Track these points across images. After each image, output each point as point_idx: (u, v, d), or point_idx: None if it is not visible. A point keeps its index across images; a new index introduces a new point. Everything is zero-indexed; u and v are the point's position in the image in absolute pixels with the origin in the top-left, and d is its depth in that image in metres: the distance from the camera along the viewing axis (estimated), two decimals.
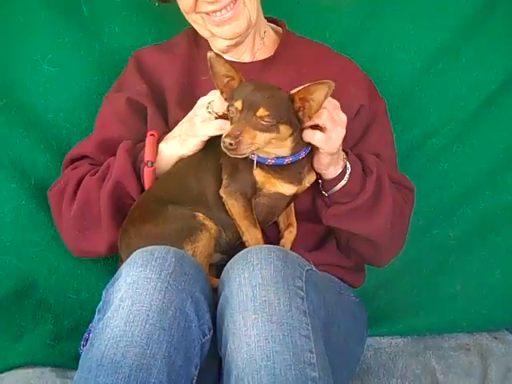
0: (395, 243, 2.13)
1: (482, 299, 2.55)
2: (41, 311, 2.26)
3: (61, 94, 2.30)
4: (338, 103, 1.83)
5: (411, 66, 2.45)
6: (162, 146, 1.96)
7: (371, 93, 2.18)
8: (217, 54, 1.78)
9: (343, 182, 1.92)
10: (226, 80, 1.78)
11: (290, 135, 1.75)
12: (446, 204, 2.54)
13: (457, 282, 2.56)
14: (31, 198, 2.24)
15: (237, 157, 1.71)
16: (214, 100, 1.85)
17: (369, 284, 2.37)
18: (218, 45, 2.09)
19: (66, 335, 2.26)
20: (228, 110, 1.75)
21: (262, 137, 1.69)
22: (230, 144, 1.65)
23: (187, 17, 2.07)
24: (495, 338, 2.53)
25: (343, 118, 1.83)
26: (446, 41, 2.44)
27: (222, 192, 1.81)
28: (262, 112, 1.68)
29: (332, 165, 1.87)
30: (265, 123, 1.68)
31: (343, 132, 1.82)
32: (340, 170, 1.90)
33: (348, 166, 1.91)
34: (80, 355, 1.94)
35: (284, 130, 1.72)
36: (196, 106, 1.93)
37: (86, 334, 1.96)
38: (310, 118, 1.75)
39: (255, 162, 1.77)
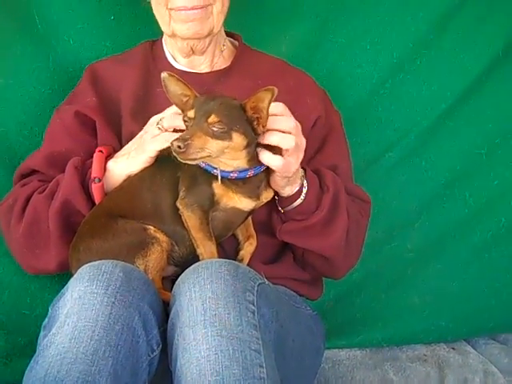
0: (350, 257, 2.13)
1: (440, 311, 2.56)
2: None
3: (13, 107, 2.26)
4: (299, 126, 1.82)
5: (367, 79, 2.47)
6: (110, 163, 1.95)
7: (327, 105, 2.20)
8: (169, 74, 1.77)
9: (299, 201, 1.92)
10: (184, 99, 1.78)
11: (246, 146, 1.74)
12: (404, 216, 2.56)
13: (415, 293, 2.57)
14: None
15: (187, 162, 1.69)
16: (164, 116, 1.85)
17: (327, 297, 2.38)
18: (177, 44, 2.09)
19: (19, 352, 2.20)
20: (184, 121, 1.75)
21: (213, 143, 1.68)
22: (179, 147, 1.63)
23: (156, 10, 2.05)
24: (453, 348, 2.55)
25: (304, 142, 1.83)
26: (402, 55, 2.47)
27: (178, 203, 1.79)
28: (213, 118, 1.68)
29: (289, 185, 1.88)
30: (216, 129, 1.67)
31: (302, 156, 1.83)
32: (297, 189, 1.90)
33: (305, 184, 1.91)
34: None
35: (237, 138, 1.70)
36: (148, 123, 1.93)
37: None
38: (263, 127, 1.74)
39: (219, 176, 1.76)
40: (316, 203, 1.95)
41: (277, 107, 1.78)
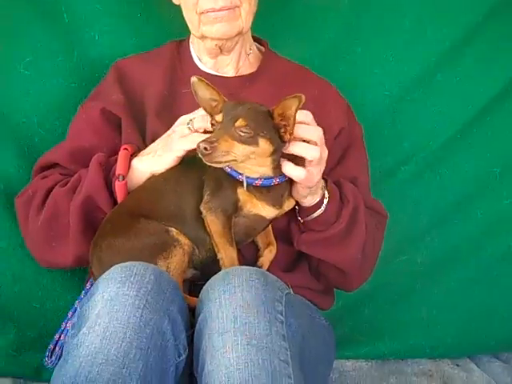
0: (365, 271, 2.14)
1: (446, 326, 2.57)
2: (3, 320, 2.19)
3: (36, 99, 2.25)
4: (322, 134, 1.82)
5: (388, 92, 2.48)
6: (134, 161, 1.94)
7: (350, 117, 2.20)
8: (199, 78, 1.77)
9: (319, 212, 1.93)
10: (212, 104, 1.78)
11: (271, 154, 1.74)
12: (415, 231, 2.57)
13: (422, 308, 2.58)
14: None
15: (212, 165, 1.69)
16: (195, 117, 1.85)
17: (336, 307, 2.37)
18: (207, 45, 2.08)
19: (29, 346, 2.20)
20: (212, 125, 1.75)
21: (240, 148, 1.68)
22: (205, 148, 1.63)
23: (186, 14, 2.07)
24: (457, 365, 2.56)
25: (327, 153, 1.84)
26: (424, 70, 2.48)
27: (202, 207, 1.79)
28: (240, 122, 1.68)
29: (310, 195, 1.88)
30: (243, 134, 1.67)
31: (323, 168, 1.83)
32: (318, 200, 1.91)
33: (326, 195, 1.92)
34: (44, 367, 1.92)
35: (263, 144, 1.70)
36: (176, 123, 1.92)
37: (50, 346, 1.92)
38: (290, 135, 1.74)
39: (245, 182, 1.76)
40: (335, 215, 1.95)
41: (305, 116, 1.78)
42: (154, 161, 1.90)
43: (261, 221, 1.85)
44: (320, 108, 2.05)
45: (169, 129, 1.95)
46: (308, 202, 1.90)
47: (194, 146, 1.75)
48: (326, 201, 1.92)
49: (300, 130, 1.75)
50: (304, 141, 1.77)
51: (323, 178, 1.91)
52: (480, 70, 2.51)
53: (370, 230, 2.04)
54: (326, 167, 1.93)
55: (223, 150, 1.66)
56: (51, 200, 1.97)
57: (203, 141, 1.65)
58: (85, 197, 1.91)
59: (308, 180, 1.79)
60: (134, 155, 1.97)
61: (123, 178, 1.90)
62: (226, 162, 1.70)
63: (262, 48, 2.26)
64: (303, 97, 1.66)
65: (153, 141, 1.99)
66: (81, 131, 2.08)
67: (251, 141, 1.69)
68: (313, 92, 2.10)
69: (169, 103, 2.08)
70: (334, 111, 2.13)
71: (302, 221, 1.97)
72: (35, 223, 1.99)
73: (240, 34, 2.05)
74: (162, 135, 1.97)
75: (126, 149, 1.95)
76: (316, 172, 1.80)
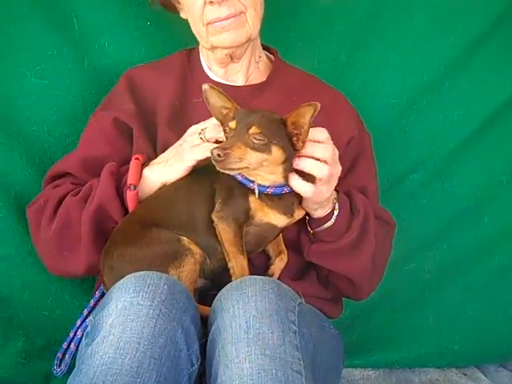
0: (374, 280, 2.15)
1: (454, 335, 2.58)
2: (12, 327, 2.21)
3: (46, 107, 2.26)
4: (337, 154, 1.82)
5: (396, 99, 2.49)
6: (146, 171, 1.95)
7: (359, 126, 2.20)
8: (211, 86, 1.78)
9: (330, 223, 1.93)
10: (224, 111, 1.79)
11: (283, 161, 1.74)
12: (423, 238, 2.58)
13: (430, 316, 2.59)
14: (9, 211, 2.20)
15: (225, 172, 1.70)
16: (207, 127, 1.85)
17: (344, 315, 2.37)
18: (217, 55, 2.09)
19: (38, 354, 2.21)
20: (224, 131, 1.76)
21: (253, 155, 1.68)
22: (218, 155, 1.64)
23: (193, 27, 2.07)
24: (464, 374, 2.57)
25: (340, 170, 1.83)
26: (432, 77, 2.48)
27: (214, 216, 1.80)
28: (254, 130, 1.69)
29: (320, 208, 1.89)
30: (256, 141, 1.68)
31: (335, 184, 1.83)
32: (328, 211, 1.91)
33: (336, 207, 1.92)
34: (53, 375, 1.92)
35: (276, 151, 1.71)
36: (187, 133, 1.93)
37: (59, 354, 1.92)
38: (303, 143, 1.74)
39: (256, 190, 1.77)
40: (346, 226, 1.96)
41: (320, 133, 1.78)
42: (165, 170, 1.91)
43: (272, 229, 1.85)
44: (330, 117, 2.05)
45: (180, 138, 1.96)
46: (318, 214, 1.91)
47: (206, 156, 1.75)
48: (336, 212, 1.93)
49: (310, 148, 1.75)
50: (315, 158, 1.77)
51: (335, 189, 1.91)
52: (488, 78, 2.51)
53: (379, 239, 2.04)
54: None
55: (236, 156, 1.66)
56: (63, 209, 1.98)
57: (216, 147, 1.65)
58: (96, 206, 1.91)
59: (316, 196, 1.80)
60: (145, 165, 1.97)
61: (135, 188, 1.91)
62: (238, 168, 1.70)
63: (271, 57, 2.26)
64: (318, 105, 1.66)
65: (164, 150, 2.00)
66: (93, 141, 2.08)
67: (264, 148, 1.69)
68: (323, 101, 2.07)
69: (180, 113, 2.09)
70: (344, 121, 2.14)
71: (312, 231, 1.97)
72: (47, 232, 2.00)
73: (249, 40, 2.05)
74: (173, 144, 1.97)
75: (137, 158, 1.96)
76: (325, 190, 1.81)
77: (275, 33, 2.41)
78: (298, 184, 1.77)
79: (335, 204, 1.92)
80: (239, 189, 1.79)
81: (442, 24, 2.47)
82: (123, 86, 2.14)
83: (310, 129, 1.72)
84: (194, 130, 1.91)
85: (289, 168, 1.78)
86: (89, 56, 2.30)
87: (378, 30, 2.48)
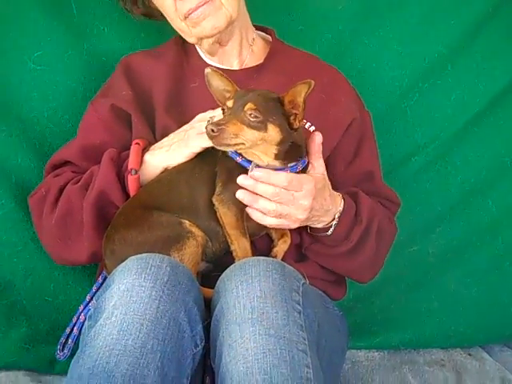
0: (376, 267, 2.16)
1: (458, 316, 2.57)
2: (15, 313, 2.20)
3: (45, 93, 2.25)
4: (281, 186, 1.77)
5: (398, 82, 2.48)
6: (147, 156, 1.94)
7: (359, 105, 2.20)
8: (212, 69, 1.79)
9: (328, 233, 1.95)
10: (226, 94, 1.78)
11: (279, 142, 1.74)
12: (426, 221, 2.56)
13: (434, 298, 2.58)
14: (11, 198, 2.19)
15: (220, 148, 1.71)
16: (215, 115, 1.85)
17: (347, 297, 2.37)
18: (205, 45, 2.08)
19: (41, 339, 2.20)
20: (223, 111, 1.76)
21: (248, 132, 1.69)
22: (212, 130, 1.64)
23: (174, 25, 2.08)
24: (469, 354, 2.56)
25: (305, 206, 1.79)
26: (433, 60, 2.47)
27: (214, 199, 1.79)
28: (249, 106, 1.69)
29: (311, 222, 1.89)
30: (252, 119, 1.68)
31: (307, 216, 1.81)
32: (326, 225, 1.92)
33: (336, 217, 1.92)
34: (56, 359, 1.92)
35: (272, 130, 1.71)
36: (193, 120, 1.92)
37: (62, 339, 1.92)
38: (299, 122, 1.74)
39: (253, 170, 1.76)
40: (345, 235, 1.97)
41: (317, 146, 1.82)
42: (167, 155, 1.90)
43: None
44: (330, 96, 2.07)
45: (179, 123, 1.96)
46: (315, 225, 1.92)
47: (211, 144, 1.75)
48: (334, 223, 1.93)
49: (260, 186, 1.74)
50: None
51: (342, 197, 1.93)
52: (490, 61, 2.50)
53: (382, 235, 2.05)
54: (344, 160, 2.02)
55: (231, 132, 1.67)
56: (64, 198, 1.97)
57: (211, 123, 1.66)
58: (98, 192, 1.91)
59: (284, 226, 1.83)
60: (145, 150, 1.97)
61: (136, 172, 1.90)
62: (234, 144, 1.70)
63: (268, 37, 2.24)
64: (312, 82, 1.66)
65: (163, 136, 1.99)
66: (91, 128, 2.08)
67: (260, 126, 1.70)
68: (322, 80, 2.08)
69: (177, 98, 2.08)
70: (345, 99, 2.13)
71: (309, 231, 1.98)
72: (49, 221, 1.99)
73: (230, 22, 2.02)
74: (172, 130, 1.97)
75: (137, 143, 1.95)
76: (290, 222, 1.80)
77: (276, 16, 2.41)
78: (258, 217, 1.78)
79: (335, 216, 1.92)
80: (240, 172, 1.78)
81: (444, 6, 2.46)
82: (119, 72, 2.13)
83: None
84: (201, 117, 1.91)
85: (283, 150, 1.76)
86: (87, 42, 2.28)
87: (380, 13, 2.46)
